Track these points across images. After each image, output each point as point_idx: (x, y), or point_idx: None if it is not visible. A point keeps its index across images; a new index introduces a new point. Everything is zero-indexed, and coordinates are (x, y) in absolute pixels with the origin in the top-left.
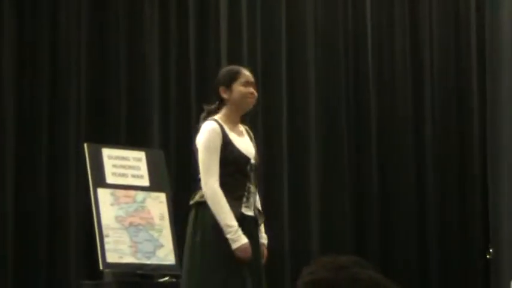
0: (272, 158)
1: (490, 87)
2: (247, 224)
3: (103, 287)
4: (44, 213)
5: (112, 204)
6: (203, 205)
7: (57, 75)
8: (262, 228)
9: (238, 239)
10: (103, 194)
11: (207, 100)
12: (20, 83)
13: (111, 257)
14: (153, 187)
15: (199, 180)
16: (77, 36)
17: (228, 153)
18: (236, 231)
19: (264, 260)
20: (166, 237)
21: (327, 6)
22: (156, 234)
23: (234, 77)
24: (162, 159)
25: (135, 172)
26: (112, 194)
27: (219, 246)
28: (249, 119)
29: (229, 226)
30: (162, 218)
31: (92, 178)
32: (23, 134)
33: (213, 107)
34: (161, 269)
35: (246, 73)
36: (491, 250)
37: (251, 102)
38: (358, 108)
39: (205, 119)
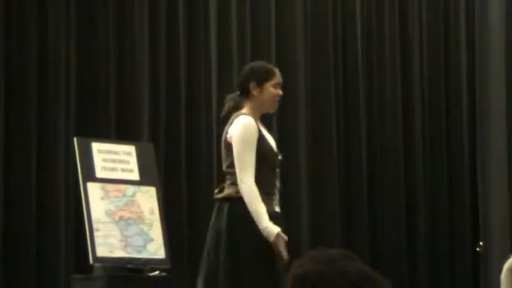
0: None
1: (479, 84)
2: (277, 221)
3: (93, 281)
4: (33, 207)
5: (102, 199)
6: (239, 200)
7: (46, 70)
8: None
9: (271, 233)
10: (93, 188)
11: (196, 93)
12: (9, 76)
13: (101, 251)
14: (143, 181)
15: (226, 173)
16: (66, 30)
17: (262, 149)
18: (266, 228)
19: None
20: (156, 231)
21: (317, 5)
22: (146, 228)
23: (267, 76)
24: (152, 152)
25: (125, 166)
26: (102, 188)
27: (260, 241)
28: None
29: (263, 225)
30: (152, 212)
31: (81, 172)
32: (12, 128)
33: (236, 98)
34: (151, 263)
35: (279, 75)
36: (481, 243)
37: (276, 105)
38: (347, 105)
39: (232, 111)
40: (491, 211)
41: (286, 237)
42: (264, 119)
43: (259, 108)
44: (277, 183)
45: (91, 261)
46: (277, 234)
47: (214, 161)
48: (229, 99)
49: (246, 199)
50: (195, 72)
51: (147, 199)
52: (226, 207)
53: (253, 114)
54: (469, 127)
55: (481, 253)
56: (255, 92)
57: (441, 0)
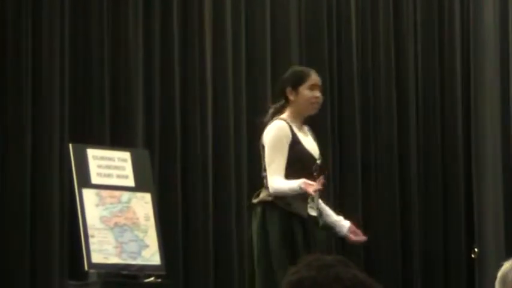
0: (257, 157)
1: (474, 85)
2: (311, 225)
3: (88, 287)
4: (27, 214)
5: (97, 205)
6: (271, 204)
7: (40, 76)
8: (336, 215)
9: (296, 186)
10: (88, 195)
11: (191, 99)
12: (3, 82)
13: (96, 258)
14: (139, 187)
15: (263, 178)
16: (60, 34)
17: (296, 152)
18: (296, 188)
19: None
20: (151, 238)
21: (311, 4)
22: (141, 235)
23: (301, 79)
24: (147, 159)
25: (120, 172)
26: (97, 195)
27: (289, 244)
28: (233, 114)
29: (293, 189)
30: (147, 218)
31: (76, 179)
32: (7, 134)
33: (278, 105)
34: (146, 270)
35: (314, 76)
36: (476, 249)
37: (315, 106)
38: (342, 107)
39: (272, 117)
40: (485, 217)
41: (313, 184)
42: (261, 112)
43: (299, 112)
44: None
45: (86, 267)
46: (302, 182)
47: (210, 167)
48: (272, 107)
49: (280, 194)
50: (189, 78)
51: (142, 205)
52: (259, 210)
53: (293, 118)
54: (464, 132)
55: (476, 259)
56: (291, 97)
57: (435, 1)
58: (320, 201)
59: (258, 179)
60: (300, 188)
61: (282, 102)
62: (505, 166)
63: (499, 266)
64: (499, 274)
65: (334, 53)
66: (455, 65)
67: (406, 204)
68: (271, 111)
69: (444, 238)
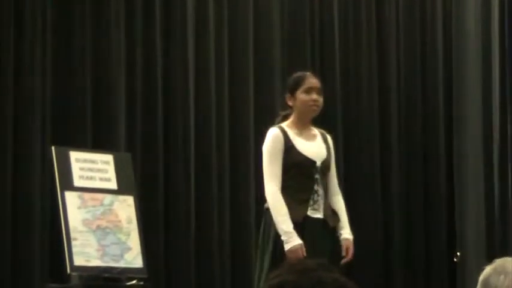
0: (238, 155)
1: (455, 87)
2: (312, 226)
3: None
4: (9, 216)
5: (79, 208)
6: (269, 209)
7: (22, 78)
8: (345, 224)
9: (290, 241)
10: (70, 197)
11: (174, 102)
12: None
13: (78, 260)
14: (121, 190)
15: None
16: (42, 37)
17: (291, 158)
18: (288, 233)
19: (349, 255)
20: (134, 241)
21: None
22: (123, 238)
23: (297, 84)
24: (129, 162)
25: (103, 175)
26: (79, 197)
27: (282, 254)
28: (216, 116)
29: (282, 229)
30: (129, 221)
31: (59, 181)
32: None
33: (285, 112)
34: (129, 272)
35: (310, 79)
36: (458, 254)
37: (314, 109)
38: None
39: (277, 124)
40: (467, 221)
41: (302, 255)
42: (243, 116)
43: (300, 117)
44: (319, 189)
45: (68, 270)
46: (296, 246)
47: (192, 170)
48: (280, 114)
49: (270, 206)
50: (171, 81)
51: (125, 208)
52: (263, 218)
53: (293, 124)
54: (445, 134)
55: (458, 263)
56: (290, 103)
57: (417, 6)
58: (337, 202)
59: (240, 181)
60: (285, 241)
61: (289, 109)
62: (486, 169)
63: (481, 270)
64: (481, 278)
65: (316, 52)
66: (438, 69)
67: (388, 210)
68: (278, 118)
69: (426, 242)
